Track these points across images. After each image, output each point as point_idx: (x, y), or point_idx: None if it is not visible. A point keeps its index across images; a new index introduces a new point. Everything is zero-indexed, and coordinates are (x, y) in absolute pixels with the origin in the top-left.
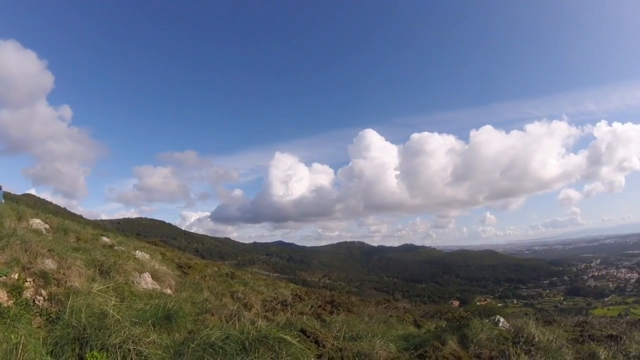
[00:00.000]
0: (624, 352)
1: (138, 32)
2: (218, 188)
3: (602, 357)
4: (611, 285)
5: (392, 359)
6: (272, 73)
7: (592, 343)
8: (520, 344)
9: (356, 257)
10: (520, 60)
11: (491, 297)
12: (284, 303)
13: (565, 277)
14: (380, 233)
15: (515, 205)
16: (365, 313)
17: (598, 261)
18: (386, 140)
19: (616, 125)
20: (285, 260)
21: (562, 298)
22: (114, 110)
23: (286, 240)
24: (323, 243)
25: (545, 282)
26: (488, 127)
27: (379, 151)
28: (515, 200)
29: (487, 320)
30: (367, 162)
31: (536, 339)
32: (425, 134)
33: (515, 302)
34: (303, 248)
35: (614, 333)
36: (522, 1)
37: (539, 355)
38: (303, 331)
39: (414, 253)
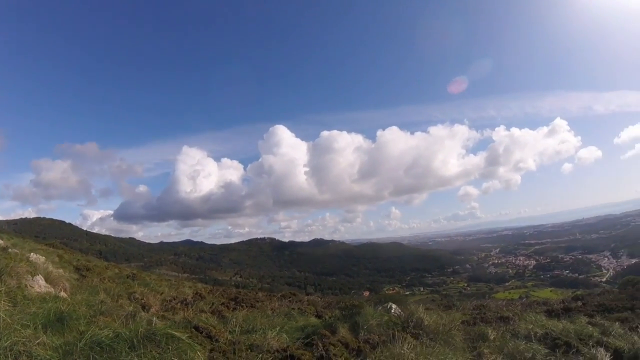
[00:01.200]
0: (512, 332)
1: (38, 18)
2: (121, 184)
3: (491, 337)
4: (511, 271)
5: (282, 348)
6: (180, 65)
7: (482, 325)
8: (410, 328)
9: (267, 254)
10: (428, 67)
11: (399, 286)
12: (184, 302)
13: (468, 265)
14: (291, 229)
15: (418, 201)
16: (268, 307)
17: (497, 250)
18: (296, 136)
19: (514, 130)
20: (195, 259)
21: (465, 284)
22: (9, 99)
23: (195, 239)
24: (233, 240)
25: (449, 270)
26: (394, 128)
27: (289, 147)
28: (419, 196)
29: (380, 308)
30: (277, 158)
31: (425, 323)
32: (335, 132)
33: (422, 289)
34: (213, 246)
35: (505, 314)
36: (435, 13)
37: (426, 338)
38: (196, 327)
39: (324, 247)
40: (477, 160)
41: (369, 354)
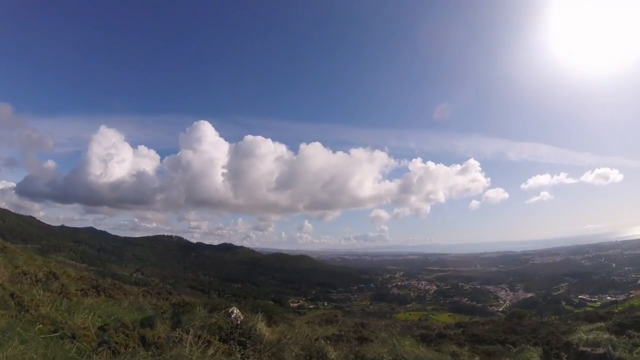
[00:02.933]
0: (357, 354)
1: None
2: (29, 155)
3: (332, 356)
4: (413, 294)
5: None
6: (109, 30)
7: (329, 344)
8: (235, 335)
9: (173, 253)
10: (357, 91)
11: (304, 299)
12: (36, 278)
13: (372, 285)
14: (200, 230)
15: (331, 217)
16: (126, 300)
17: (402, 273)
18: (220, 135)
19: (430, 163)
20: (96, 249)
21: (368, 303)
22: None
23: (98, 227)
24: (139, 234)
25: (354, 287)
26: (317, 144)
27: (210, 145)
28: (332, 213)
29: (222, 312)
30: (196, 154)
31: (258, 333)
32: (260, 137)
33: (326, 304)
34: (116, 238)
35: (366, 335)
36: (373, 40)
37: (251, 348)
38: (11, 295)
39: (232, 252)
40: (392, 186)
41: (153, 349)
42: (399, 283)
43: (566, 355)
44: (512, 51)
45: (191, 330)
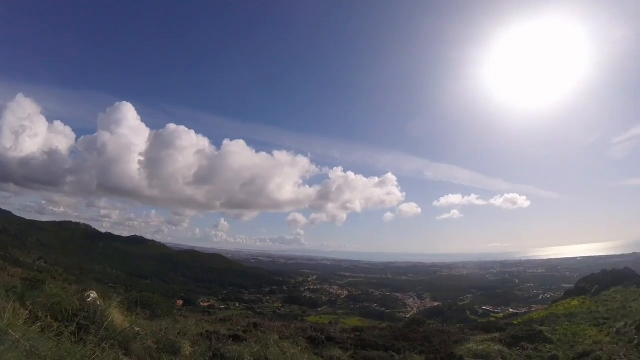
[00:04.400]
0: (216, 351)
1: None
2: None
3: (186, 352)
4: (324, 298)
5: None
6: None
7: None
8: (80, 318)
9: (80, 242)
10: (290, 96)
11: (215, 299)
12: None
13: (285, 287)
14: (111, 219)
15: (248, 218)
16: None
17: (315, 277)
18: (142, 120)
19: (350, 174)
20: None
21: (280, 305)
22: None
23: (2, 207)
24: (45, 218)
25: (266, 289)
26: (241, 142)
27: (130, 130)
28: (250, 213)
29: (78, 295)
30: (114, 137)
31: (107, 319)
32: (182, 128)
33: (237, 305)
34: (21, 220)
35: (240, 334)
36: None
37: (94, 334)
38: None
39: (142, 246)
40: (311, 192)
41: None
42: (312, 287)
43: None
44: (444, 81)
45: (11, 302)
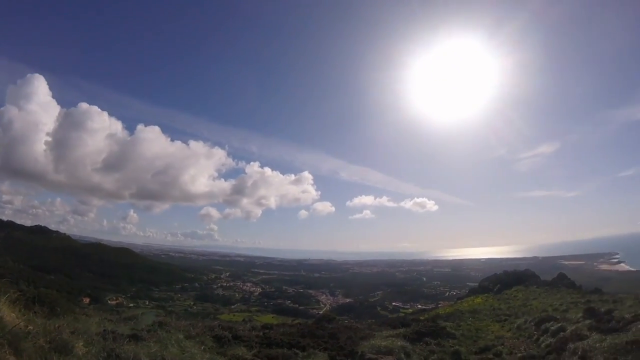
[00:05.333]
0: (110, 352)
1: None
2: None
3: (80, 352)
4: (237, 295)
5: None
6: None
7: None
8: None
9: None
10: (211, 84)
11: (123, 296)
12: None
13: (196, 284)
14: (13, 205)
15: (159, 210)
16: None
17: (228, 274)
18: (53, 96)
19: (266, 169)
20: None
21: (192, 303)
22: None
23: None
24: None
25: (177, 286)
26: (156, 129)
27: (40, 106)
28: (161, 205)
29: None
30: (22, 113)
31: None
32: (95, 108)
33: (147, 303)
34: None
35: (140, 334)
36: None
37: None
38: None
39: (46, 238)
40: (226, 186)
41: None
42: (225, 284)
43: None
44: (365, 88)
45: None
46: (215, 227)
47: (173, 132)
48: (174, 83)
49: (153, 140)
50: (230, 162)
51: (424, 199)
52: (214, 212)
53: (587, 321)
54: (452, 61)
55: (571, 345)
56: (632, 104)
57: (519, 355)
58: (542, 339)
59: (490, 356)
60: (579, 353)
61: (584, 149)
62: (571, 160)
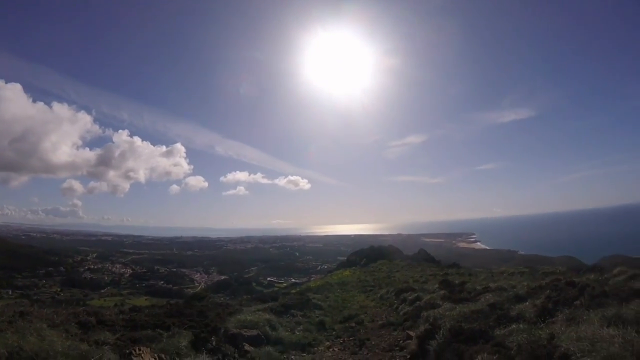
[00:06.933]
0: None
1: None
2: None
3: None
4: (107, 278)
5: None
6: None
7: None
8: None
9: None
10: (78, 39)
11: None
12: None
13: (62, 268)
14: None
15: (17, 183)
16: None
17: (95, 255)
18: None
19: (136, 139)
20: None
21: (59, 289)
22: None
23: None
24: None
25: (41, 271)
26: (18, 86)
27: None
28: (18, 177)
29: None
30: None
31: None
32: None
33: (10, 292)
34: None
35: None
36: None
37: None
38: None
39: None
40: (91, 155)
41: None
42: (92, 266)
43: (216, 339)
44: (248, 63)
45: None
46: (79, 203)
47: (36, 92)
48: (44, 36)
49: (12, 100)
50: (96, 129)
51: (298, 177)
52: (77, 185)
53: (442, 292)
54: (334, 49)
55: (424, 313)
56: (496, 109)
57: (380, 322)
58: (400, 307)
59: (353, 324)
60: (430, 320)
61: (450, 143)
62: (437, 151)
